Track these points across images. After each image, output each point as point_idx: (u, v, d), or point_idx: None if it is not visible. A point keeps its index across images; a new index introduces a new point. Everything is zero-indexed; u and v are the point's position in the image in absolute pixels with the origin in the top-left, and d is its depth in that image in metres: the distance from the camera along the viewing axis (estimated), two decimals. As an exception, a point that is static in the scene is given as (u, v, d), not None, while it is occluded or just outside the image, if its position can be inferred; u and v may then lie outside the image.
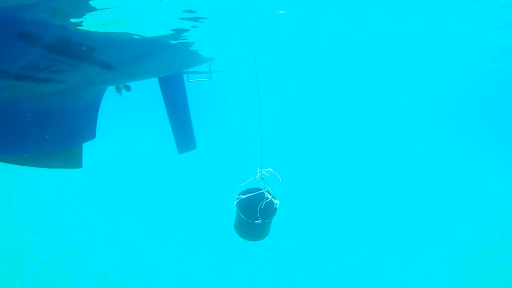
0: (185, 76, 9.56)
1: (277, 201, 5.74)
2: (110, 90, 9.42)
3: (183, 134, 9.97)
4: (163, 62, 6.60)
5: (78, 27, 3.44)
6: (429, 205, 20.58)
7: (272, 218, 5.63)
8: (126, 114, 43.86)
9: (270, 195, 5.73)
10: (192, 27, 6.33)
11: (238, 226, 5.85)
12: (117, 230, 16.08)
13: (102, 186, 21.79)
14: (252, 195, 5.70)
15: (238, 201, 5.62)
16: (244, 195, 5.71)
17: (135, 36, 4.46)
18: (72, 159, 6.12)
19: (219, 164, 27.32)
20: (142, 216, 17.93)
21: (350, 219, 17.98)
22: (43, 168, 6.19)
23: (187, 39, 6.85)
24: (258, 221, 5.54)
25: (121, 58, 4.65)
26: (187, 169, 25.49)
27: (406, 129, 46.89)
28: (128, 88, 9.93)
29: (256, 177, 5.62)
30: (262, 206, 5.63)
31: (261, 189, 5.67)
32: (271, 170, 5.90)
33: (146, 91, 26.50)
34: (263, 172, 5.83)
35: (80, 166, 6.26)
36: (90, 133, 6.12)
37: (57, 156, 5.91)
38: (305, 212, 18.54)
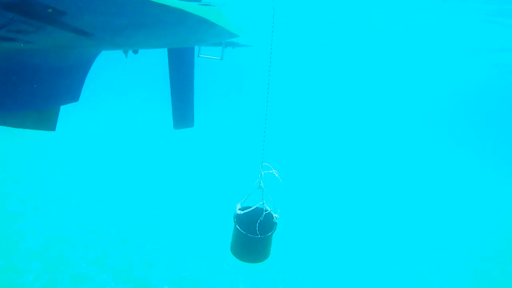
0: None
1: (276, 215, 5.24)
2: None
3: (183, 108, 9.18)
4: (163, 37, 5.65)
5: None
6: (434, 211, 20.64)
7: (272, 233, 5.15)
8: (124, 76, 42.81)
9: (269, 208, 5.30)
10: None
11: (236, 244, 5.37)
12: (92, 209, 15.43)
13: (83, 154, 21.24)
14: (250, 210, 5.22)
15: (235, 216, 5.13)
16: (241, 210, 5.23)
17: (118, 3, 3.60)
18: (45, 121, 5.40)
19: (217, 149, 26.64)
20: (123, 191, 17.42)
21: (356, 225, 17.47)
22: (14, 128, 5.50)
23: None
24: (257, 236, 5.05)
25: (101, 27, 3.81)
26: (182, 147, 24.94)
27: (409, 132, 47.04)
28: (135, 51, 9.09)
29: (259, 183, 5.09)
30: (261, 218, 5.22)
31: (260, 205, 5.22)
32: (275, 172, 5.33)
33: (149, 53, 25.95)
34: (263, 173, 5.28)
35: (53, 129, 5.54)
36: (71, 96, 5.33)
37: (28, 115, 5.19)
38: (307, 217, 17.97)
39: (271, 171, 5.24)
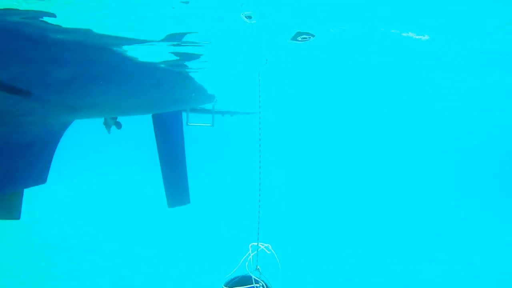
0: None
1: None
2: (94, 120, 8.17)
3: (176, 185, 8.45)
4: (129, 95, 4.94)
5: None
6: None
7: None
8: (108, 151, 40.68)
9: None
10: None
11: None
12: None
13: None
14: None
15: None
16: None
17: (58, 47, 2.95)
18: (6, 208, 4.66)
19: (214, 225, 24.86)
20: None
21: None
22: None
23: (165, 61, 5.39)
24: None
25: (38, 81, 3.11)
26: (176, 225, 23.28)
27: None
28: (118, 126, 8.65)
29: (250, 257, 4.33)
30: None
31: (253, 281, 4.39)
32: (270, 247, 4.57)
33: (136, 126, 24.89)
34: (259, 247, 4.49)
35: (18, 217, 4.79)
36: (36, 177, 4.65)
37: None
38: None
39: (266, 245, 4.55)
